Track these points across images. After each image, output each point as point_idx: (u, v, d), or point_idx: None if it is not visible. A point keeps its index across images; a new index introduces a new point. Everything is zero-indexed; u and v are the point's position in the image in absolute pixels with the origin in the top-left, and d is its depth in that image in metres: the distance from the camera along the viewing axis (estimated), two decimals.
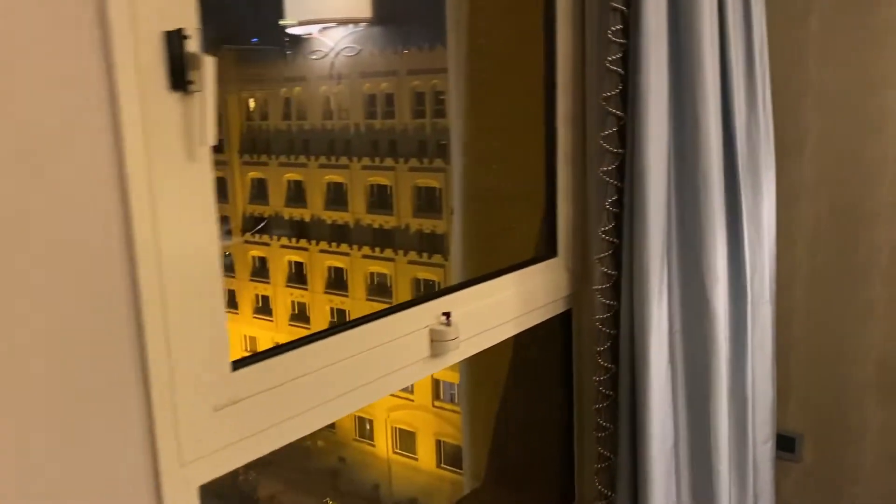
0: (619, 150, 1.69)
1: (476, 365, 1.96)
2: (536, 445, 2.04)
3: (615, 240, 1.73)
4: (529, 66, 1.87)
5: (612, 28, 1.64)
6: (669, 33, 1.65)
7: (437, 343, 1.47)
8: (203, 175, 1.03)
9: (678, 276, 1.73)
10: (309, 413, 1.21)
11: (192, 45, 0.98)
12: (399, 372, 1.42)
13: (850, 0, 1.96)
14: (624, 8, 1.64)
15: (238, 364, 1.14)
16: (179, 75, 0.98)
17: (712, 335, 1.72)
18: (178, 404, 1.01)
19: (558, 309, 1.86)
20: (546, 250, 1.86)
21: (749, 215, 1.78)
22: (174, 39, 0.97)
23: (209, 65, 0.99)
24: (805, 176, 2.07)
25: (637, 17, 1.60)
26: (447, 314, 1.49)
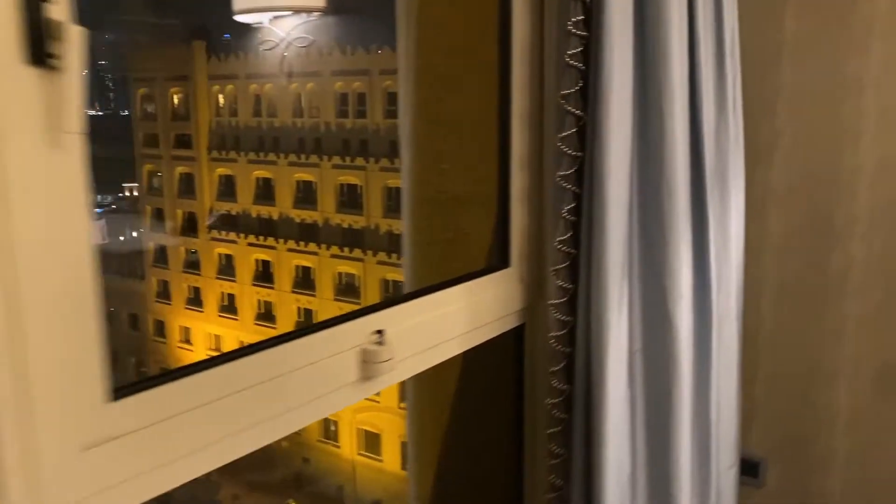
0: (578, 154, 1.53)
1: (420, 384, 1.79)
2: (484, 472, 1.88)
3: (572, 250, 1.57)
4: (484, 60, 1.70)
5: (573, 19, 1.48)
6: (635, 27, 1.49)
7: (368, 365, 1.30)
8: (70, 166, 0.85)
9: (639, 292, 1.57)
10: (207, 450, 1.03)
11: (57, 11, 0.80)
12: (321, 399, 1.24)
13: None
14: None
15: (120, 392, 0.96)
16: (38, 47, 0.80)
17: (675, 356, 1.57)
18: (39, 440, 0.84)
19: (510, 324, 1.69)
20: (498, 260, 1.69)
21: (716, 226, 1.63)
22: (31, 2, 0.79)
23: (76, 37, 0.81)
24: (775, 184, 1.92)
25: (600, 9, 1.44)
26: (380, 332, 1.32)
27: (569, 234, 1.56)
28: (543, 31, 1.63)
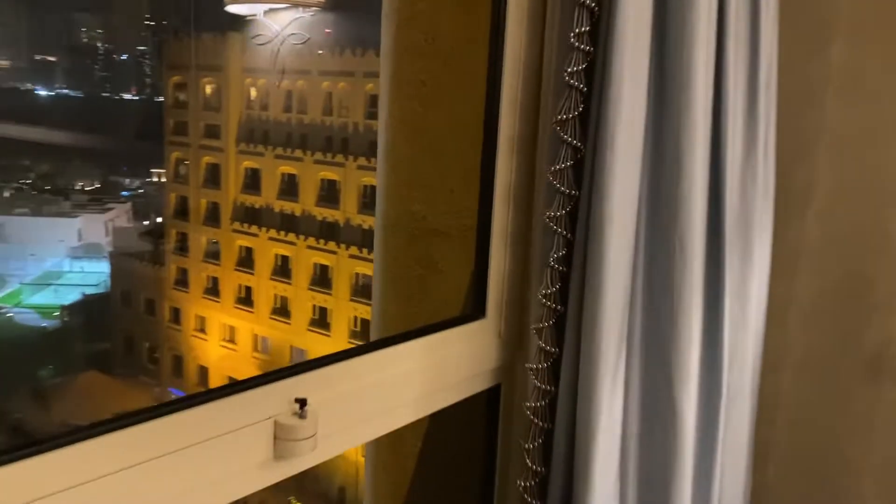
0: (573, 192, 1.25)
1: (378, 448, 1.52)
2: None
3: (559, 307, 1.28)
4: (472, 71, 1.42)
5: (576, 30, 1.19)
6: (652, 45, 1.20)
7: (283, 442, 1.02)
8: None
9: (639, 367, 1.28)
10: None
11: None
12: (220, 484, 0.97)
13: (885, 23, 1.52)
14: (595, 6, 1.19)
15: None
16: None
17: (676, 446, 1.27)
18: None
19: (482, 385, 1.41)
20: (473, 309, 1.41)
21: (734, 289, 1.33)
22: None
23: None
24: (808, 241, 1.62)
25: (611, 20, 1.16)
26: (301, 402, 1.04)
27: (556, 287, 1.27)
28: (544, 42, 1.35)
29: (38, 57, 22.12)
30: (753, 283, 1.39)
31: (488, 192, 1.36)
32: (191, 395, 1.00)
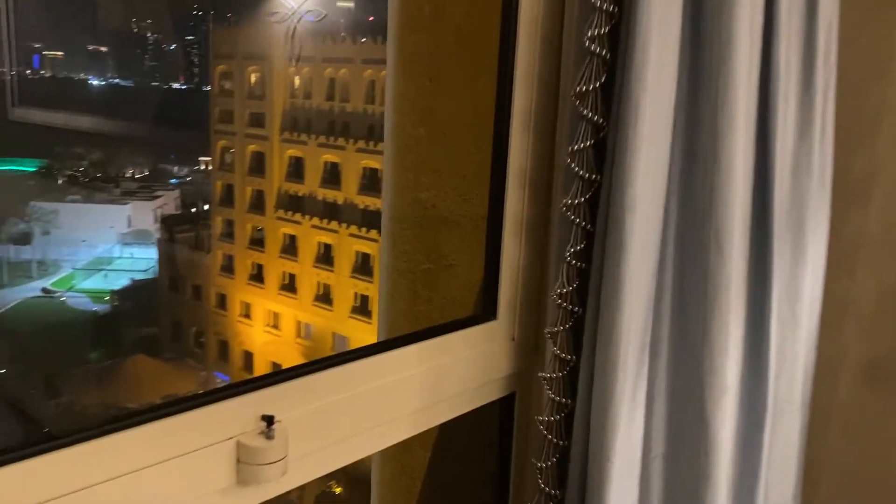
0: (594, 176, 1.07)
1: (384, 458, 1.37)
2: None
3: (576, 308, 1.11)
4: (486, 42, 1.25)
5: None
6: (686, 5, 1.02)
7: (248, 466, 0.87)
8: None
9: (665, 378, 1.10)
10: None
11: None
12: None
13: None
14: None
15: None
16: None
17: (708, 469, 1.10)
18: None
19: (493, 394, 1.25)
20: (483, 309, 1.25)
21: (783, 288, 1.14)
22: None
23: None
24: (869, 234, 1.41)
25: None
26: (268, 419, 0.89)
27: (573, 286, 1.10)
28: (564, 3, 1.17)
29: (90, 47, 22.44)
30: (806, 282, 1.19)
31: (500, 177, 1.19)
32: (140, 409, 0.85)
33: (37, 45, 22.38)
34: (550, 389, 1.13)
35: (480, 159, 1.28)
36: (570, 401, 1.12)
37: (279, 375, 0.93)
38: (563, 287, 1.10)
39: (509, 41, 1.15)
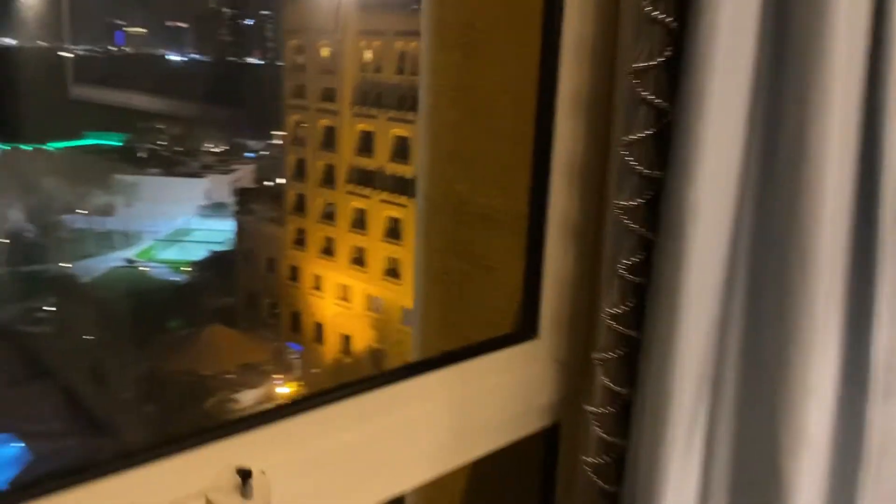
0: (654, 173, 0.87)
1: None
2: None
3: (631, 332, 0.92)
4: (530, 5, 1.05)
5: None
6: None
7: None
8: None
9: (730, 419, 0.89)
10: None
11: None
12: None
13: None
14: None
15: None
16: None
17: None
18: None
19: (534, 425, 1.06)
20: (522, 325, 1.06)
21: (892, 320, 0.92)
22: None
23: None
24: None
25: None
26: (244, 473, 0.72)
27: (628, 305, 0.91)
28: None
29: (169, 23, 22.82)
30: None
31: (543, 169, 1.00)
32: (97, 462, 0.70)
33: (120, 22, 22.89)
34: (599, 426, 0.94)
35: (524, 146, 1.09)
36: (621, 440, 0.93)
37: (261, 418, 0.76)
38: (616, 305, 0.90)
39: (555, 4, 0.95)
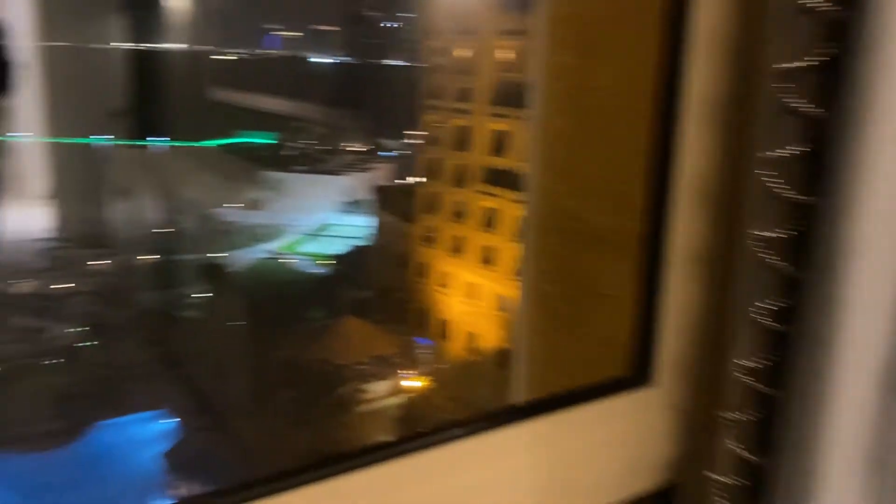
0: (804, 198, 0.69)
1: None
2: None
3: (769, 390, 0.74)
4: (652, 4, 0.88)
5: None
6: None
7: None
8: None
9: None
10: None
11: None
12: None
13: None
14: None
15: None
16: None
17: None
18: None
19: (644, 486, 0.90)
20: (635, 369, 0.89)
21: None
22: None
23: None
24: None
25: None
26: None
27: (765, 357, 0.73)
28: None
29: (317, 27, 23.59)
30: None
31: (665, 185, 0.83)
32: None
33: (271, 27, 23.90)
34: (724, 498, 0.77)
35: (643, 160, 0.92)
36: None
37: (300, 477, 0.64)
38: (749, 356, 0.73)
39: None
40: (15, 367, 14.79)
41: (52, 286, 17.29)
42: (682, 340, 0.86)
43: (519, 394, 1.18)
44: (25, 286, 17.11)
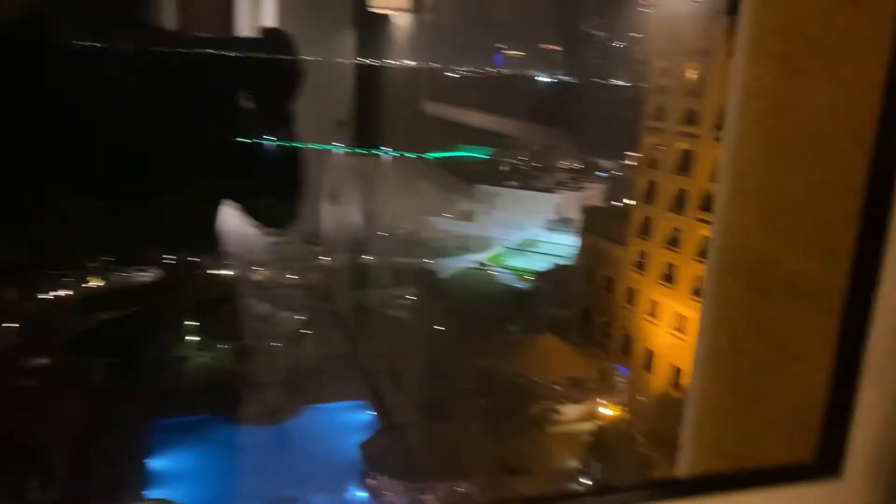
0: None
1: None
2: None
3: None
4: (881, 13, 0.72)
5: None
6: None
7: None
8: None
9: None
10: None
11: None
12: None
13: None
14: None
15: None
16: None
17: None
18: None
19: None
20: (822, 455, 0.73)
21: None
22: None
23: None
24: None
25: None
26: None
27: None
28: None
29: (543, 46, 23.71)
30: None
31: (878, 230, 0.67)
32: None
33: (499, 46, 24.36)
34: None
35: (854, 199, 0.76)
36: None
37: None
38: None
39: None
40: (246, 346, 16.14)
41: (279, 277, 18.76)
42: (882, 425, 0.69)
43: (687, 455, 1.03)
44: (260, 275, 18.68)
